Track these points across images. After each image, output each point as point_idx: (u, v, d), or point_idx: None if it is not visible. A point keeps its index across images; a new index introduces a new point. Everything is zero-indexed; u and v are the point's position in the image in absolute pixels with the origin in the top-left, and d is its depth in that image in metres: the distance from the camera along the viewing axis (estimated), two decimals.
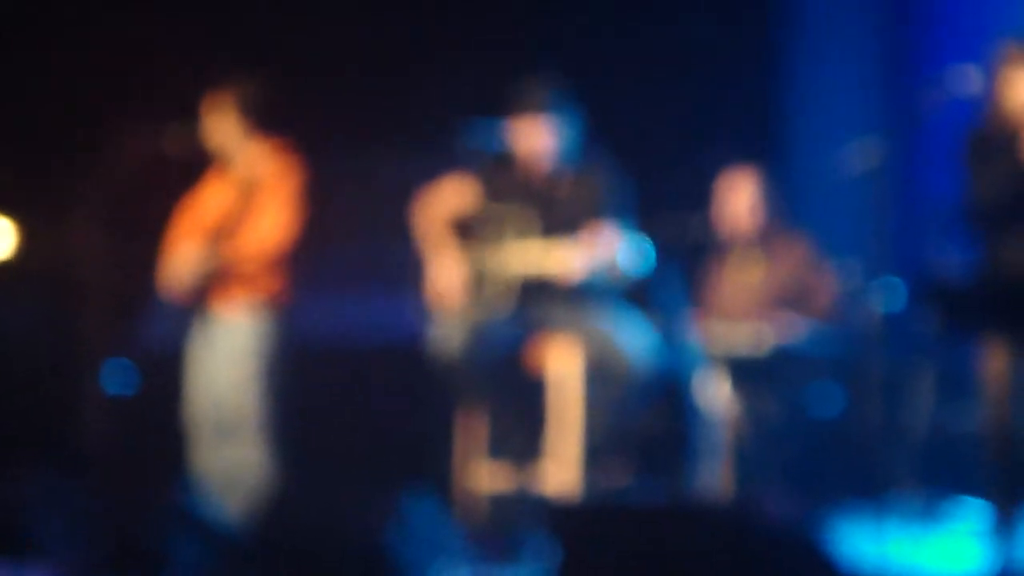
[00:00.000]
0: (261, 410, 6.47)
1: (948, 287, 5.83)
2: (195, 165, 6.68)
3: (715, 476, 6.65)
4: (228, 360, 6.53)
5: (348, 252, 8.31)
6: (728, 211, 7.10)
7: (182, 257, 6.55)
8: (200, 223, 6.62)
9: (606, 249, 6.15)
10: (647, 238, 6.43)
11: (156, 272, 6.74)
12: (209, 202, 6.63)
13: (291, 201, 6.49)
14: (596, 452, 6.28)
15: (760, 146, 7.79)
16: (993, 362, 5.68)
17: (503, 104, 6.36)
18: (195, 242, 6.60)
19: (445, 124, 6.66)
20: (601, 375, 6.25)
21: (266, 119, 6.59)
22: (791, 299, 7.10)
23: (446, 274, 6.31)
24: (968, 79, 5.85)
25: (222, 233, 6.58)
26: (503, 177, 6.40)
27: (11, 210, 7.62)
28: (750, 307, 7.17)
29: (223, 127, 6.53)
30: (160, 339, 6.85)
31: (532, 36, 7.67)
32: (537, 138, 6.29)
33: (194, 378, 6.59)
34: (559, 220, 6.30)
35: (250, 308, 6.52)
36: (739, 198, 7.14)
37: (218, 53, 7.25)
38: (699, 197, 7.18)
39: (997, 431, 5.69)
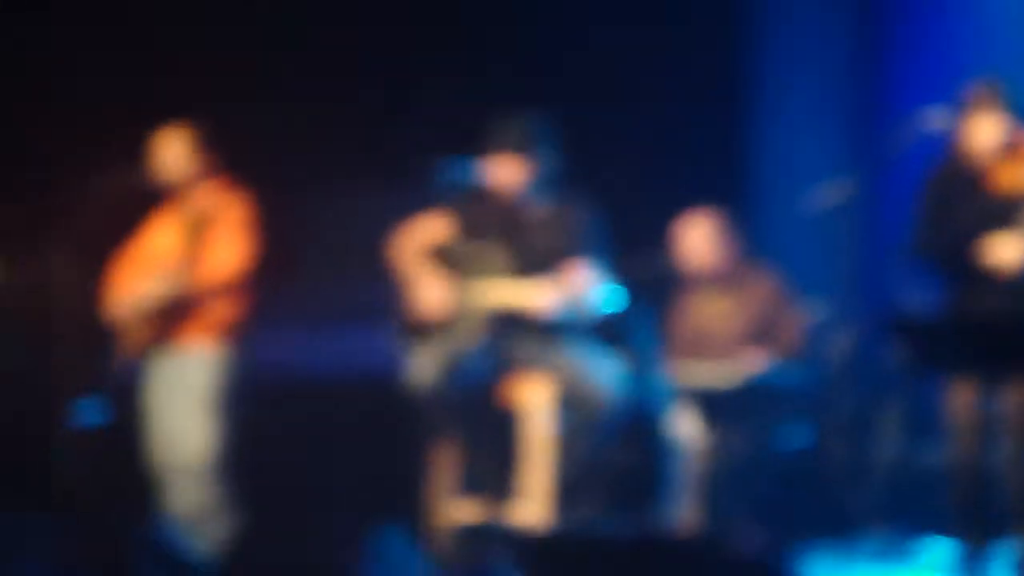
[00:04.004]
0: (222, 444, 6.39)
1: (915, 323, 5.78)
2: (156, 200, 6.70)
3: (684, 509, 6.55)
4: (187, 395, 6.41)
5: (323, 287, 8.17)
6: (687, 250, 7.11)
7: (138, 290, 6.46)
8: (148, 258, 6.54)
9: (578, 286, 6.04)
10: (618, 277, 6.33)
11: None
12: (158, 238, 6.60)
13: (243, 232, 6.43)
14: (567, 485, 6.11)
15: (729, 185, 7.77)
16: (960, 398, 5.66)
17: (479, 141, 6.24)
18: (144, 277, 6.50)
19: (421, 160, 6.44)
20: (574, 410, 6.10)
21: (217, 156, 6.53)
22: (757, 334, 7.05)
23: (430, 293, 6.19)
24: (934, 120, 5.85)
25: (177, 267, 6.46)
26: (478, 213, 6.31)
27: None
28: (716, 343, 7.13)
29: (176, 163, 6.48)
30: (130, 371, 6.67)
31: (509, 75, 7.57)
32: (510, 175, 6.17)
33: (153, 415, 6.50)
34: (532, 255, 6.19)
35: (207, 341, 6.42)
36: (697, 237, 7.13)
37: (184, 90, 7.19)
38: (667, 236, 7.15)
39: (964, 467, 5.69)
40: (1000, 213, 5.75)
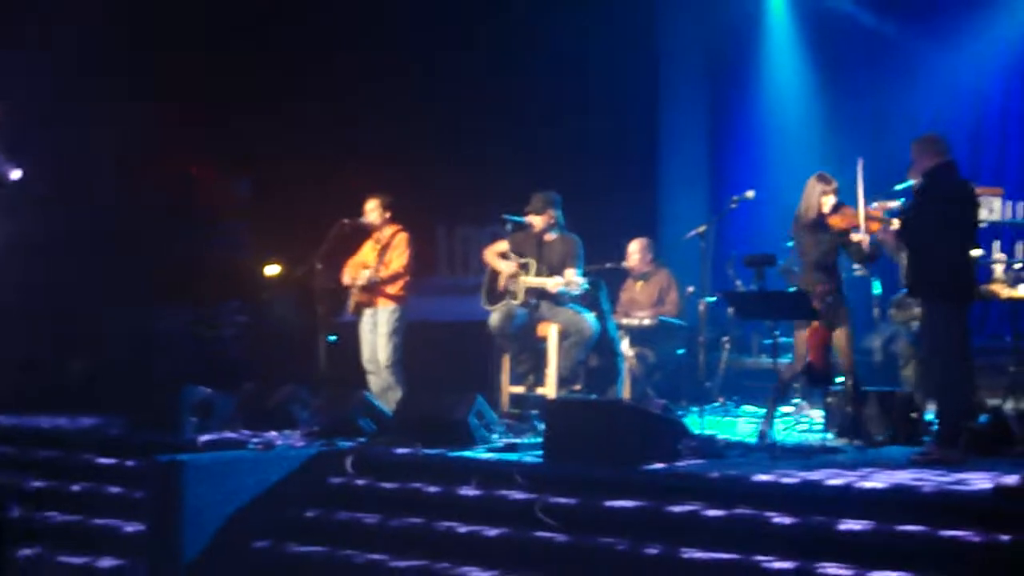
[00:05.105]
0: (396, 355, 7.89)
1: (738, 295, 7.14)
2: (367, 232, 8.12)
3: (624, 389, 7.78)
4: (379, 330, 7.94)
5: (445, 276, 9.85)
6: (628, 257, 8.64)
7: (355, 277, 7.82)
8: (360, 262, 7.89)
9: (572, 278, 7.38)
10: (590, 273, 7.62)
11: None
12: (364, 251, 8.02)
13: (405, 249, 7.91)
14: (566, 376, 7.46)
15: (648, 224, 9.36)
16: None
17: (524, 203, 7.69)
18: (358, 271, 7.86)
19: (496, 212, 7.90)
20: (571, 338, 7.46)
21: (393, 212, 8.00)
22: (659, 302, 8.61)
23: (508, 268, 7.54)
24: (749, 193, 7.08)
25: (374, 267, 7.84)
26: (522, 240, 7.72)
27: (282, 256, 9.00)
28: (639, 306, 8.60)
29: (374, 215, 8.01)
30: (351, 318, 8.10)
31: (537, 171, 8.74)
32: (538, 222, 7.66)
33: (363, 340, 8.00)
34: (549, 263, 7.58)
35: (389, 303, 7.94)
36: (633, 251, 8.68)
37: (381, 179, 8.57)
38: (619, 251, 8.71)
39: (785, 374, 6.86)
40: (835, 239, 6.66)
